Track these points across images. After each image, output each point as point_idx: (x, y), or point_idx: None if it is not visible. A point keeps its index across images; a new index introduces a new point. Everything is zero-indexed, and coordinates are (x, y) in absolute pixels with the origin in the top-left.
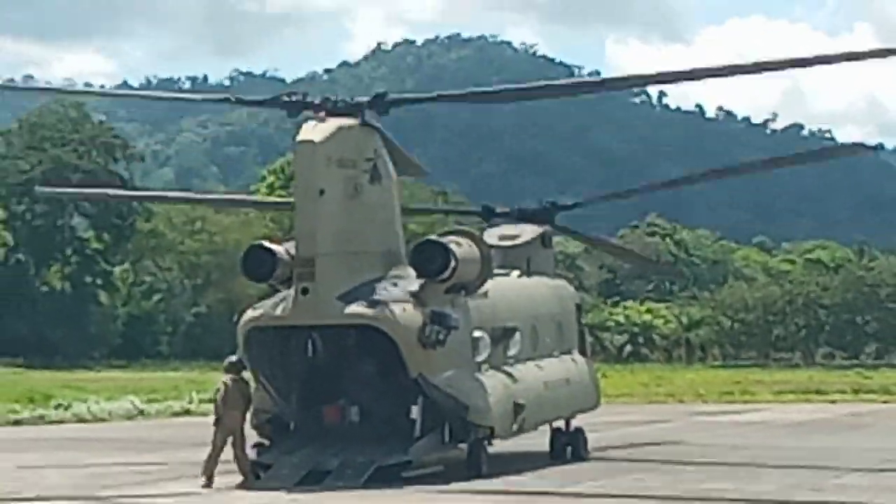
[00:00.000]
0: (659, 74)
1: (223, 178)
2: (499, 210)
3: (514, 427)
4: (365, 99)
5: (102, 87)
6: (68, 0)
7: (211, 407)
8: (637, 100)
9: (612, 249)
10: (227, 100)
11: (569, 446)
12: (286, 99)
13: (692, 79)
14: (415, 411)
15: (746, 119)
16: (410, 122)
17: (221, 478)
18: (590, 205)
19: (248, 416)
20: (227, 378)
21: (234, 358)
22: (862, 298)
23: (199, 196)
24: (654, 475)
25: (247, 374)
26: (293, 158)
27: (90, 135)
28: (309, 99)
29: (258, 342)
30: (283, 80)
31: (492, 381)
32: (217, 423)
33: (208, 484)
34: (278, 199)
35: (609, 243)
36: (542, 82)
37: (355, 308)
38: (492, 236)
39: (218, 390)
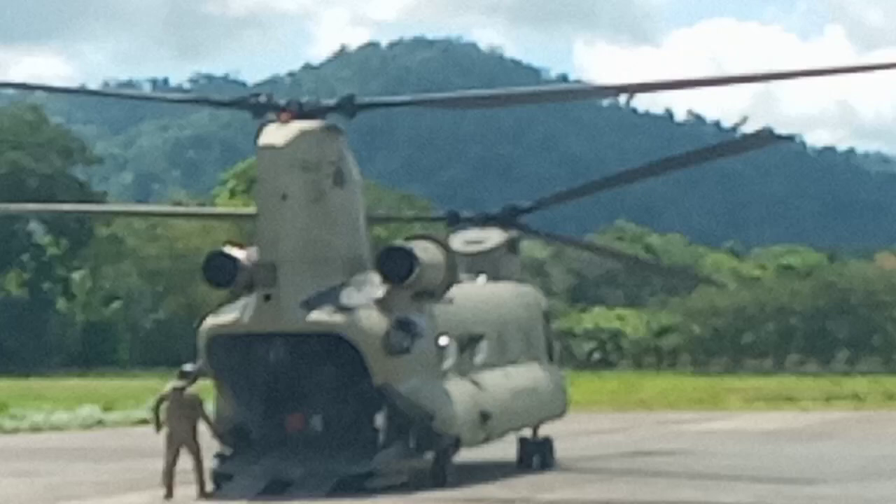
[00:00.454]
0: (631, 86)
1: (184, 182)
2: (464, 215)
3: (481, 436)
4: (333, 102)
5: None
6: (26, 3)
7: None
8: (606, 103)
9: (583, 246)
10: (194, 101)
11: (536, 455)
12: (253, 101)
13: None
14: (379, 420)
15: (716, 123)
16: (376, 126)
17: (184, 487)
18: (551, 206)
19: (208, 425)
20: (168, 387)
21: (187, 367)
22: (833, 304)
23: (159, 209)
24: (622, 485)
25: (195, 387)
26: (256, 162)
27: (47, 137)
28: (275, 101)
29: (219, 349)
30: (244, 84)
31: (458, 388)
32: (159, 431)
33: (169, 495)
34: (237, 211)
35: (578, 241)
36: (507, 89)
37: (318, 315)
38: (457, 241)
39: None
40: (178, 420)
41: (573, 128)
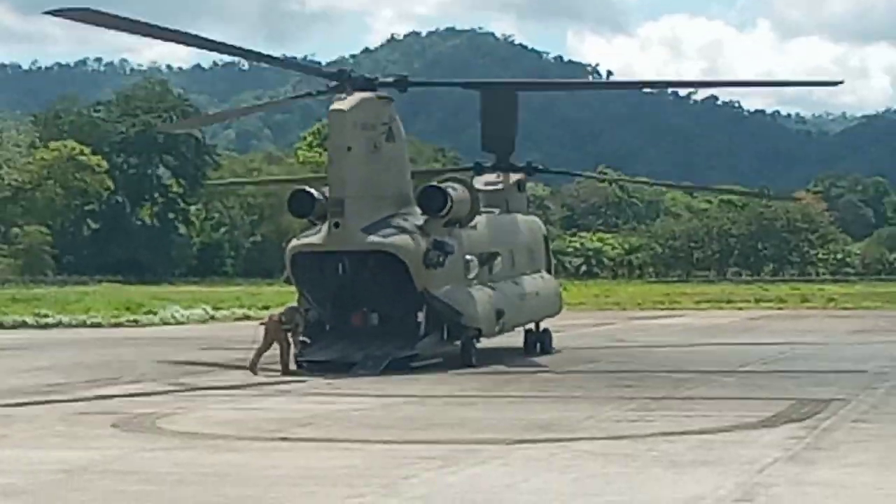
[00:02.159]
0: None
1: (273, 138)
2: (486, 165)
3: (497, 328)
4: (391, 79)
5: (181, 68)
6: (162, 1)
7: (263, 313)
8: (591, 79)
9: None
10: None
11: (538, 343)
12: (339, 71)
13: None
14: (420, 316)
15: (675, 92)
16: (419, 95)
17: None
18: (558, 175)
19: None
20: (277, 313)
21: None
22: (762, 229)
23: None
24: (602, 363)
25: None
26: (328, 123)
27: (171, 104)
28: (354, 75)
29: (301, 264)
30: (319, 63)
31: (479, 293)
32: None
33: (253, 373)
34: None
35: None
36: (514, 79)
37: (375, 238)
38: (479, 182)
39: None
40: (275, 323)
41: (567, 97)
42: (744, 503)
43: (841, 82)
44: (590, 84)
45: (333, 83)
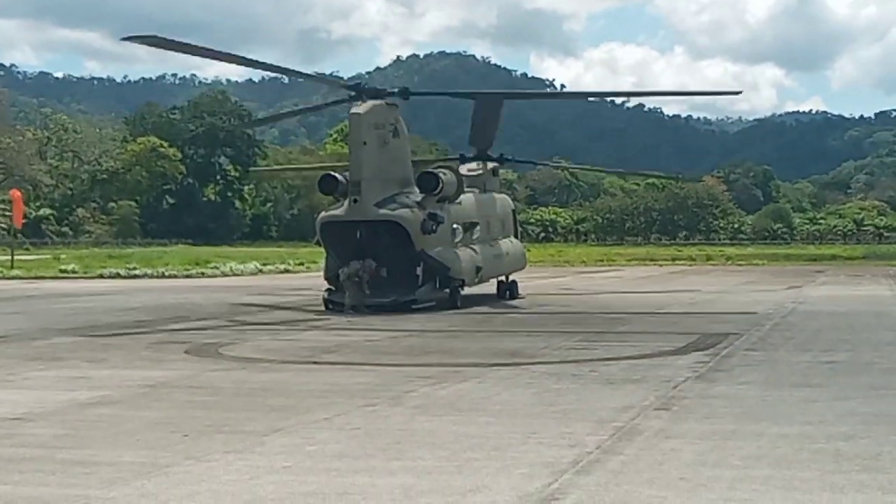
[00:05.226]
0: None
1: (307, 135)
2: (469, 156)
3: (476, 280)
4: (396, 90)
5: (237, 81)
6: (219, 30)
7: (300, 268)
8: (549, 90)
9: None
10: (317, 78)
11: (508, 291)
12: (355, 83)
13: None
14: (419, 270)
15: (612, 101)
16: (420, 102)
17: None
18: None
19: (323, 271)
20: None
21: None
22: (677, 205)
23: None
24: (555, 307)
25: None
26: (348, 123)
27: (229, 109)
28: (371, 87)
29: (328, 230)
30: (342, 78)
31: (463, 253)
32: None
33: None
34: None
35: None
36: (502, 90)
37: (385, 211)
38: (463, 169)
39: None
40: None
41: (532, 105)
42: (662, 410)
43: (740, 92)
44: (557, 94)
45: (353, 94)
